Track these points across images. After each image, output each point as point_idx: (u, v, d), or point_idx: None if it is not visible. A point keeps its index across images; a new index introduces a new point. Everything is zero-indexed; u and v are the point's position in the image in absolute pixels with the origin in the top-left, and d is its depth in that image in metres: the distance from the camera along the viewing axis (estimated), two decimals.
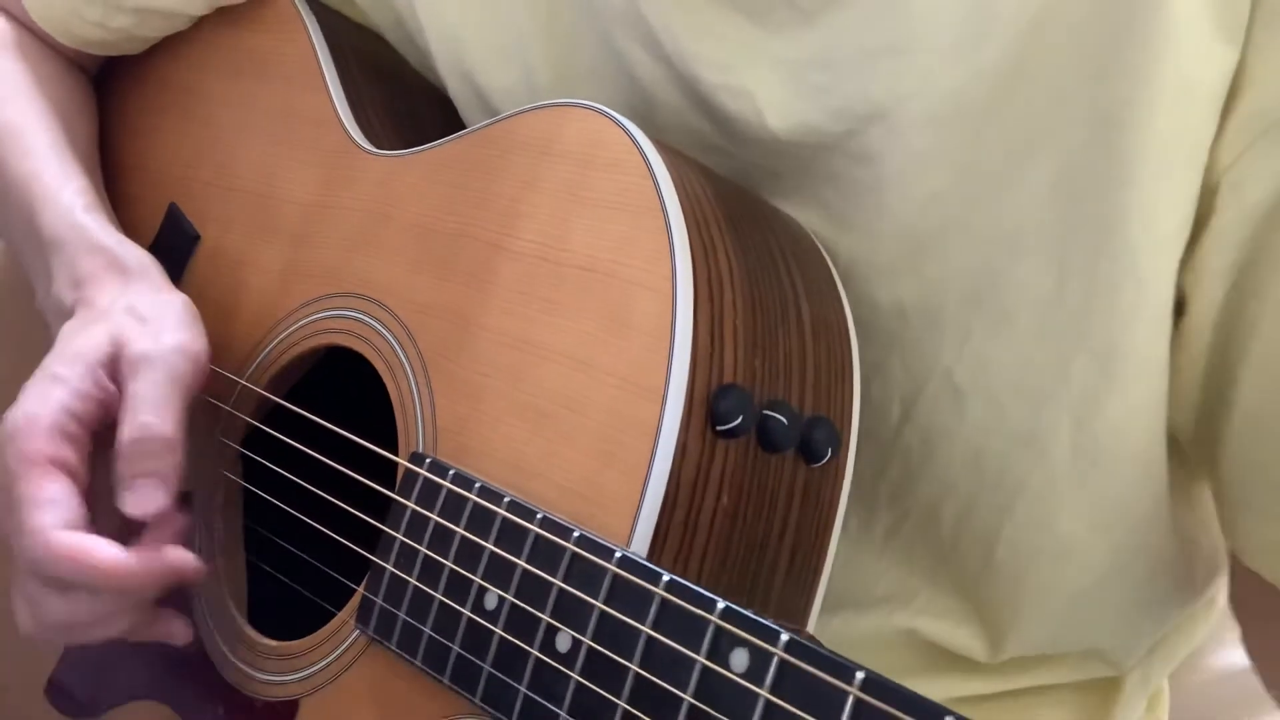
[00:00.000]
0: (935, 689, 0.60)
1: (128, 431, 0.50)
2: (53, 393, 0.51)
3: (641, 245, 0.45)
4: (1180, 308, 0.48)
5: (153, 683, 0.58)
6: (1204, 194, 0.46)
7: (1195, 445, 0.50)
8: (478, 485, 0.46)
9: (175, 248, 0.65)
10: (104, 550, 0.48)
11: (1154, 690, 0.63)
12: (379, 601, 0.48)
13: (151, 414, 0.50)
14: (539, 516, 0.43)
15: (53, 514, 0.48)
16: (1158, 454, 0.50)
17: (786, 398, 0.46)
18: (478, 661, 0.44)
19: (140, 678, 0.59)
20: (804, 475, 0.47)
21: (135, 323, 0.54)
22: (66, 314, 0.57)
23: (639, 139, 0.47)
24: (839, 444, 0.48)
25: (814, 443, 0.47)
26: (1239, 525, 0.49)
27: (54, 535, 0.47)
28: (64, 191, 0.62)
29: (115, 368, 0.52)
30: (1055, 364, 0.49)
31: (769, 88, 0.51)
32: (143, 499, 0.50)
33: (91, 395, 0.51)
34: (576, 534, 0.42)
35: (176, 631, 0.53)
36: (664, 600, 0.39)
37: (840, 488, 0.48)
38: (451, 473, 0.47)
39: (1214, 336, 0.47)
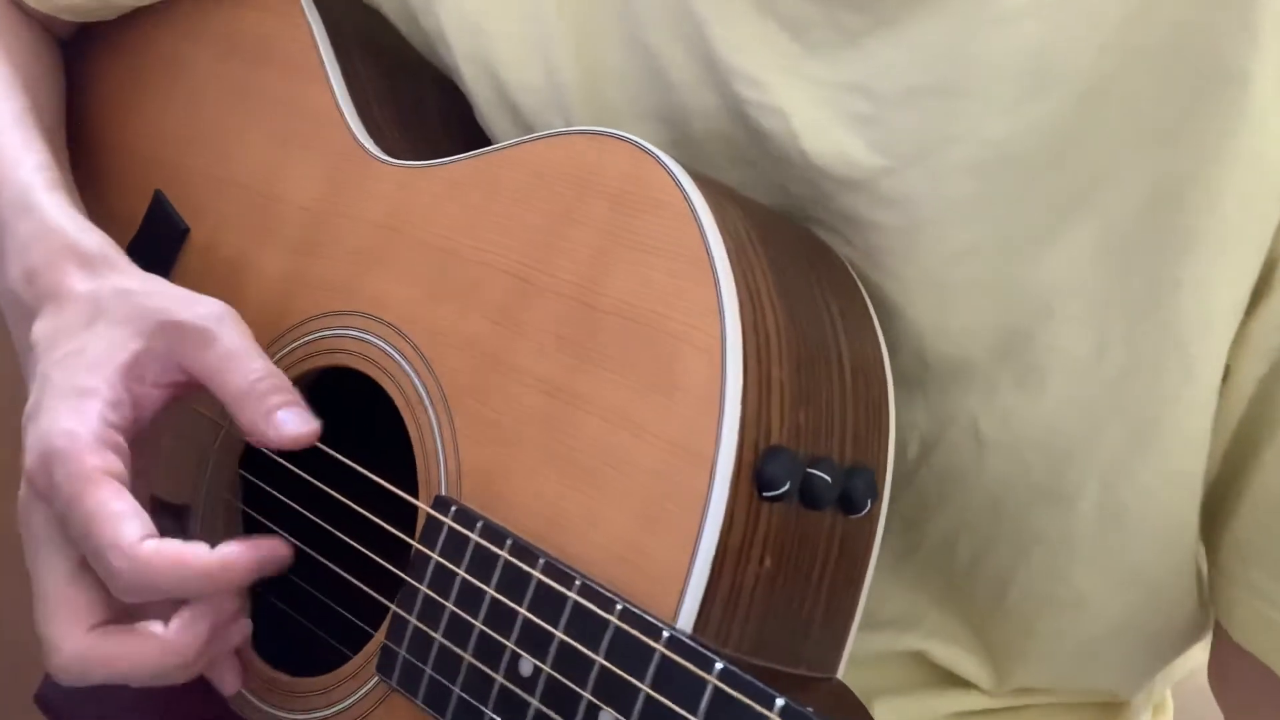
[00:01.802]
0: (941, 704, 0.61)
1: (250, 374, 0.49)
2: (86, 406, 0.48)
3: (687, 298, 0.43)
4: (1224, 377, 0.47)
5: (150, 703, 0.56)
6: (1264, 270, 0.45)
7: (1201, 511, 0.50)
8: (510, 541, 0.44)
9: (162, 239, 0.61)
10: (197, 548, 0.46)
11: (1159, 698, 0.64)
12: (402, 653, 0.46)
13: (259, 358, 0.50)
14: (578, 583, 0.42)
15: (131, 527, 0.46)
16: (1188, 520, 0.49)
17: (828, 452, 0.45)
18: None
19: (137, 696, 0.57)
20: (842, 527, 0.46)
21: (154, 299, 0.51)
22: (26, 308, 0.54)
23: (682, 180, 0.45)
24: (876, 494, 0.47)
25: (854, 495, 0.45)
26: (1233, 597, 0.49)
27: (143, 547, 0.45)
28: (22, 167, 0.57)
29: (152, 359, 0.50)
30: (1086, 428, 0.48)
31: (803, 108, 0.49)
32: (299, 420, 0.49)
33: (125, 402, 0.49)
34: (620, 607, 0.41)
35: (228, 680, 0.52)
36: (718, 690, 0.38)
37: (875, 534, 0.47)
38: (480, 524, 0.45)
39: (1247, 412, 0.46)
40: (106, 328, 0.51)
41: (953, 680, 0.60)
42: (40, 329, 0.52)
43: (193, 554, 0.46)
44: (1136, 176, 0.45)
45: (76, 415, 0.48)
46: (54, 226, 0.55)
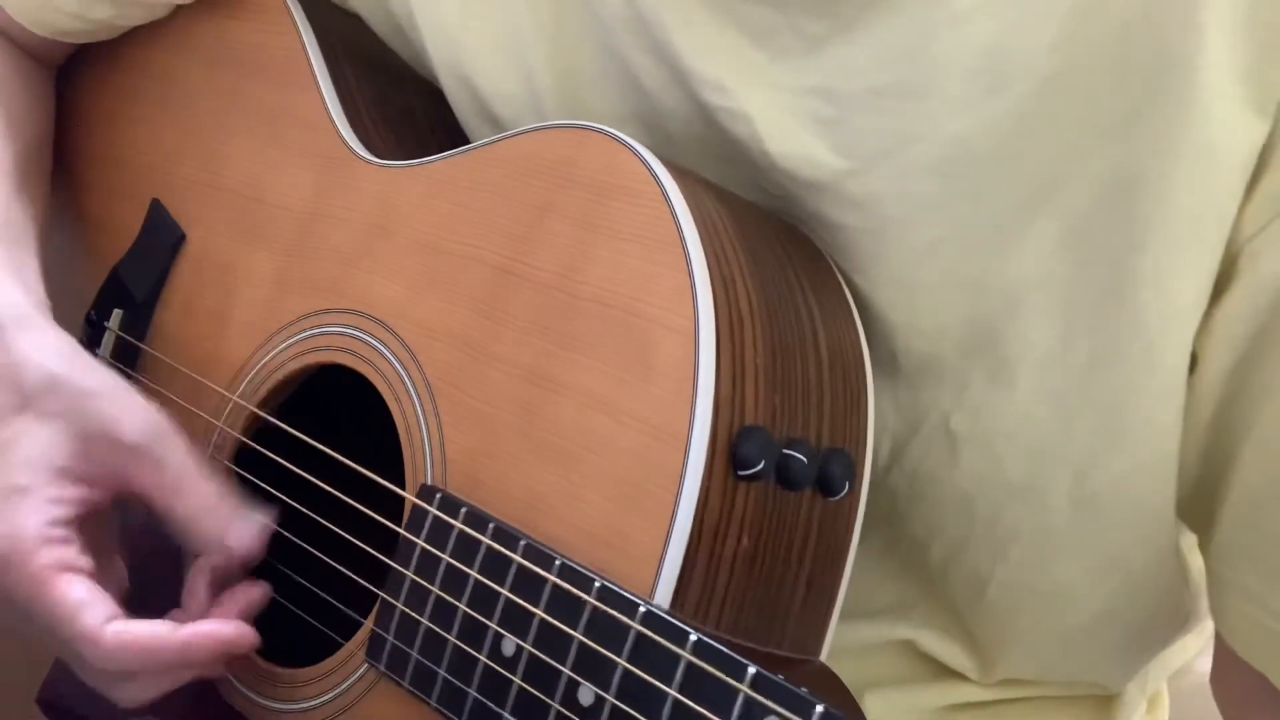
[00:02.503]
0: (933, 695, 0.61)
1: (198, 500, 0.51)
2: (24, 506, 0.48)
3: (661, 282, 0.44)
4: (1193, 367, 0.47)
5: (150, 704, 0.57)
6: (1226, 260, 0.45)
7: (1190, 516, 0.50)
8: (492, 526, 0.45)
9: (159, 247, 0.63)
10: (161, 629, 0.47)
11: (1153, 692, 0.64)
12: (390, 639, 0.47)
13: (206, 481, 0.51)
14: (557, 564, 0.43)
15: (90, 614, 0.47)
16: (1164, 508, 0.49)
17: (804, 434, 0.46)
18: (497, 709, 0.43)
19: None
20: (820, 509, 0.47)
21: (90, 402, 0.50)
22: None
23: (655, 167, 0.46)
24: (854, 476, 0.47)
25: (832, 477, 0.46)
26: (1224, 602, 0.49)
27: (106, 634, 0.46)
28: None
29: (89, 463, 0.50)
30: (1057, 419, 0.49)
31: (767, 113, 0.50)
32: (249, 530, 0.51)
33: (64, 499, 0.49)
34: (598, 584, 0.41)
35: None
36: (691, 663, 0.39)
37: (855, 517, 0.48)
38: (464, 510, 0.46)
39: (1218, 407, 0.47)
40: (36, 421, 0.50)
41: (943, 672, 0.60)
42: None
43: (155, 636, 0.47)
44: (1093, 170, 0.46)
45: (14, 518, 0.48)
46: None
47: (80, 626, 0.46)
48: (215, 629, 0.49)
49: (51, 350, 0.52)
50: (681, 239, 0.44)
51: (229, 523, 0.51)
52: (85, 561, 0.49)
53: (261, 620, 0.53)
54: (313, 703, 0.50)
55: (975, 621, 0.56)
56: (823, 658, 0.48)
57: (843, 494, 0.46)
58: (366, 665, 0.48)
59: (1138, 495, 0.49)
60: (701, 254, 0.44)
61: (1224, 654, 0.50)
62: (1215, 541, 0.48)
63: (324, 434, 0.54)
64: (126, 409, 0.51)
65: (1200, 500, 0.49)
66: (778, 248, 0.49)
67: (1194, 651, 0.61)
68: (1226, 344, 0.45)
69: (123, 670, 0.48)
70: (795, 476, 0.45)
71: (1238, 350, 0.45)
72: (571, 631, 0.41)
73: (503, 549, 0.44)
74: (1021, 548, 0.51)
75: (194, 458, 0.51)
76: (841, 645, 0.59)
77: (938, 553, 0.54)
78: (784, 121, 0.49)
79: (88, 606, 0.47)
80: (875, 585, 0.58)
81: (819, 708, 0.36)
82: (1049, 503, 0.50)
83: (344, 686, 0.49)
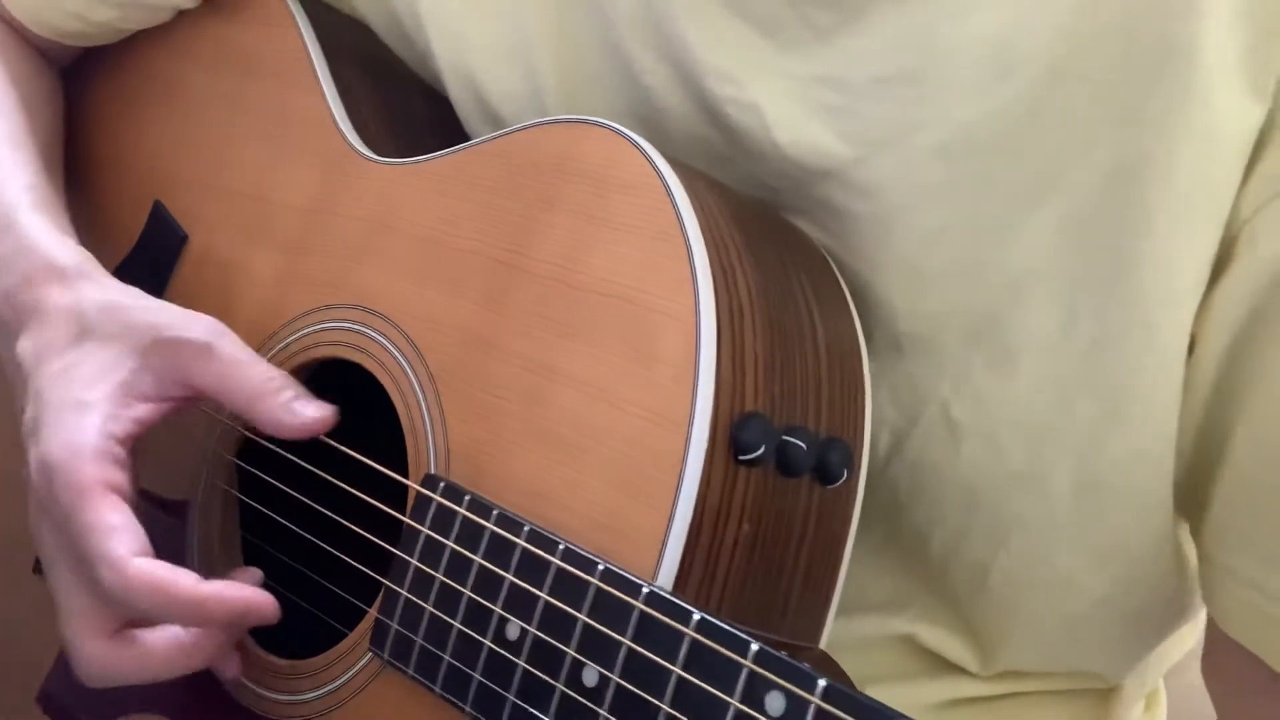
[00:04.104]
0: (932, 691, 0.61)
1: (258, 376, 0.51)
2: (85, 419, 0.49)
3: (662, 272, 0.45)
4: (1191, 350, 0.48)
5: (152, 696, 0.58)
6: (1224, 242, 0.46)
7: (1184, 500, 0.50)
8: (495, 513, 0.45)
9: (161, 248, 0.63)
10: (184, 578, 0.47)
11: (1151, 689, 0.64)
12: (394, 626, 0.47)
13: (262, 362, 0.52)
14: (561, 548, 0.43)
15: (123, 541, 0.47)
16: (1163, 492, 0.50)
17: (804, 421, 0.46)
18: (501, 691, 0.43)
19: (139, 690, 0.58)
20: (819, 497, 0.47)
21: (146, 315, 0.52)
22: (7, 325, 0.55)
23: (656, 160, 0.46)
24: (853, 466, 0.48)
25: (830, 465, 0.47)
26: (1216, 584, 0.49)
27: (131, 564, 0.46)
28: (9, 187, 0.59)
29: (149, 375, 0.51)
30: (1059, 404, 0.49)
31: (776, 103, 0.51)
32: (316, 407, 0.51)
33: (123, 416, 0.50)
34: (601, 567, 0.42)
35: (229, 667, 0.53)
36: (695, 640, 0.39)
37: (853, 507, 0.49)
38: (467, 498, 0.46)
39: (1214, 388, 0.47)
40: (98, 345, 0.52)
41: (943, 667, 0.60)
42: (24, 346, 0.54)
43: (178, 582, 0.47)
44: (1098, 156, 0.47)
45: (75, 428, 0.49)
46: (31, 244, 0.56)
47: (109, 547, 0.46)
48: (238, 590, 0.48)
49: (113, 288, 0.55)
50: (682, 229, 0.45)
51: (290, 400, 0.51)
52: (129, 491, 0.49)
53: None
54: (315, 693, 0.51)
55: (975, 612, 0.56)
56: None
57: (840, 482, 0.47)
58: (370, 655, 0.49)
59: (1138, 479, 0.50)
60: (702, 243, 0.44)
61: (1215, 638, 0.50)
62: (1208, 525, 0.49)
63: (333, 430, 0.54)
64: (180, 315, 0.53)
65: (1194, 483, 0.49)
66: (776, 240, 0.50)
67: (1190, 645, 0.61)
68: (1223, 325, 0.46)
69: (133, 606, 0.47)
70: (794, 463, 0.45)
71: (1234, 331, 0.46)
72: (575, 613, 0.42)
73: (506, 534, 0.45)
74: (1023, 535, 0.52)
75: (250, 351, 0.52)
76: (840, 640, 0.59)
77: (938, 544, 0.54)
78: (792, 110, 0.50)
79: (121, 531, 0.47)
80: (874, 579, 0.58)
81: (821, 682, 0.36)
82: (1051, 489, 0.50)
83: (346, 677, 0.50)
